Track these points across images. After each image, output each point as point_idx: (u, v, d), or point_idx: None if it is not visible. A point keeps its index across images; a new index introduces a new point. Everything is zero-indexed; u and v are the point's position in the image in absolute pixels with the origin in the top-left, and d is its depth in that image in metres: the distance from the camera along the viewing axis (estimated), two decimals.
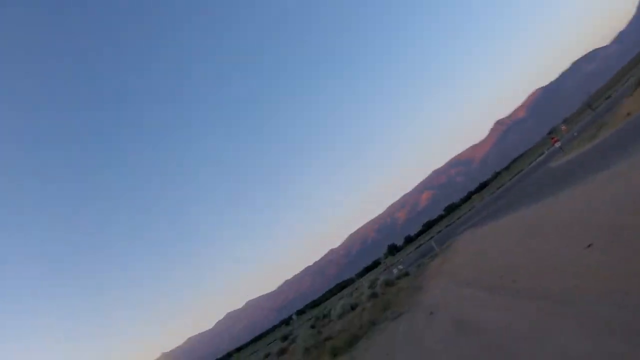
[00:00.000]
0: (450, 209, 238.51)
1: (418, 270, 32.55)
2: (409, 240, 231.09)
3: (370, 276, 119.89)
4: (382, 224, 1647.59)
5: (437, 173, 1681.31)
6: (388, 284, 30.76)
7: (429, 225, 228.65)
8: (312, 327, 36.33)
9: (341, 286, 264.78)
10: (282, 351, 34.68)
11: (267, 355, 41.16)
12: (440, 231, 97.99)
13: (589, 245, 8.69)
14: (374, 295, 27.31)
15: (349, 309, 29.10)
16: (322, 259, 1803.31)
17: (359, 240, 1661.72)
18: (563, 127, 76.25)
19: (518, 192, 39.82)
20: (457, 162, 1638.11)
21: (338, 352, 16.39)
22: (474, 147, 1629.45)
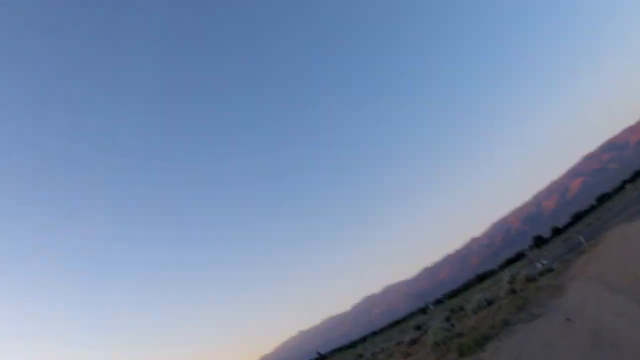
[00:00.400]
0: (602, 199, 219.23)
1: (562, 266, 29.93)
2: (556, 232, 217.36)
3: (512, 269, 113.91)
4: (528, 212, 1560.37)
5: (587, 158, 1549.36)
6: (529, 279, 28.44)
7: (578, 217, 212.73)
8: (447, 319, 34.88)
9: (481, 277, 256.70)
10: (414, 341, 33.68)
11: (398, 344, 40.34)
12: (590, 224, 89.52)
13: None
14: (512, 292, 25.29)
15: (485, 304, 27.28)
16: (463, 247, 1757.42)
17: (502, 230, 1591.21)
18: None
19: None
20: (611, 146, 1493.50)
21: (465, 351, 15.27)
22: (630, 129, 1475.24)
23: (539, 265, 39.14)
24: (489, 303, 27.09)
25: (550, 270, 30.40)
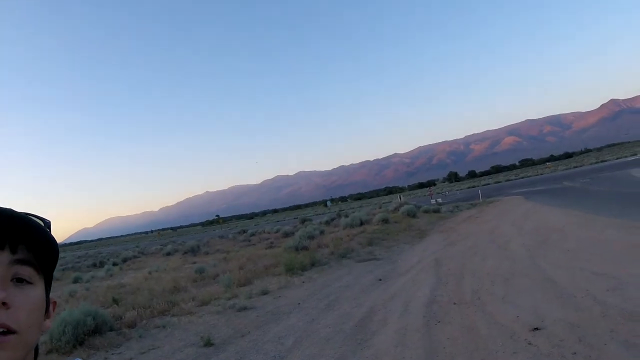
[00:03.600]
0: (526, 164, 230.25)
1: (447, 213, 29.37)
2: (472, 175, 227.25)
3: (409, 195, 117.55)
4: (455, 148, 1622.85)
5: (530, 122, 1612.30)
6: (409, 214, 27.63)
7: (497, 170, 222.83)
8: (325, 223, 34.43)
9: (388, 191, 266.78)
10: (286, 235, 32.85)
11: (277, 231, 39.80)
12: (499, 182, 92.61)
13: None
14: (384, 221, 24.37)
15: (358, 223, 26.39)
16: (384, 158, 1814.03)
17: (426, 155, 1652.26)
18: None
19: (581, 184, 34.16)
20: (556, 121, 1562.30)
21: (292, 269, 13.84)
22: (578, 114, 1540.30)
23: (432, 202, 39.19)
24: (362, 223, 26.37)
25: (436, 211, 30.05)
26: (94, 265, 32.42)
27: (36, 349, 0.98)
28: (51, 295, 1.02)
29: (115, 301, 12.25)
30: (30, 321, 0.90)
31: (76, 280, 21.49)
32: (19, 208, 0.97)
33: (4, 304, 0.88)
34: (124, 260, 33.06)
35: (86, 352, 7.78)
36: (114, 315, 10.06)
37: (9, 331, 0.88)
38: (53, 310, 1.03)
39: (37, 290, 0.94)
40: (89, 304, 9.89)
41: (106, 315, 9.19)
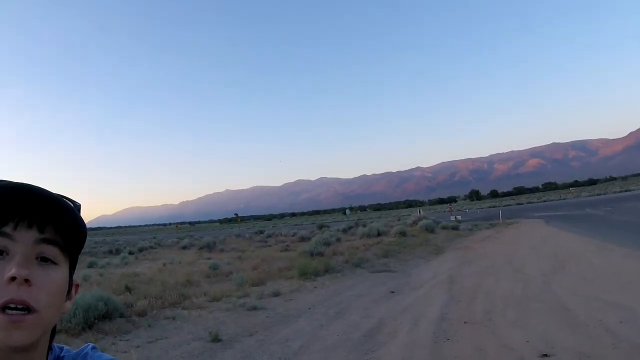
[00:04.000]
0: (549, 187, 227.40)
1: (465, 230, 29.09)
2: (493, 195, 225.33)
3: (434, 209, 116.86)
4: (478, 167, 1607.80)
5: (555, 146, 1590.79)
6: (427, 229, 27.48)
7: (519, 191, 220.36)
8: (343, 231, 34.44)
9: (408, 204, 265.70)
10: (303, 239, 32.93)
11: (294, 234, 39.94)
12: (520, 204, 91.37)
13: None
14: (402, 234, 24.27)
15: (376, 233, 26.34)
16: (406, 171, 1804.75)
17: (449, 171, 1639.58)
18: None
19: (604, 212, 33.38)
20: (581, 147, 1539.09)
21: (305, 273, 13.89)
22: (605, 141, 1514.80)
23: (452, 218, 38.89)
24: (379, 234, 26.31)
25: (455, 228, 29.83)
26: (110, 252, 32.82)
27: (53, 331, 1.00)
28: (74, 277, 1.03)
29: (128, 289, 12.39)
30: (50, 301, 0.90)
31: (91, 265, 21.79)
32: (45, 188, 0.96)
33: (26, 281, 0.87)
34: (140, 250, 33.44)
35: (95, 336, 7.86)
36: (126, 302, 10.18)
37: (28, 310, 0.87)
38: (75, 293, 1.04)
39: (60, 271, 0.95)
40: (102, 290, 10.01)
41: (117, 302, 9.29)
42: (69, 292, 1.00)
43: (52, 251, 0.93)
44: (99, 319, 8.46)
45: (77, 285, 1.04)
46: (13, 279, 0.86)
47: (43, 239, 0.92)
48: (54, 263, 0.93)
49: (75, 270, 1.03)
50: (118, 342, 7.71)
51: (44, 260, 0.92)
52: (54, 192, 0.97)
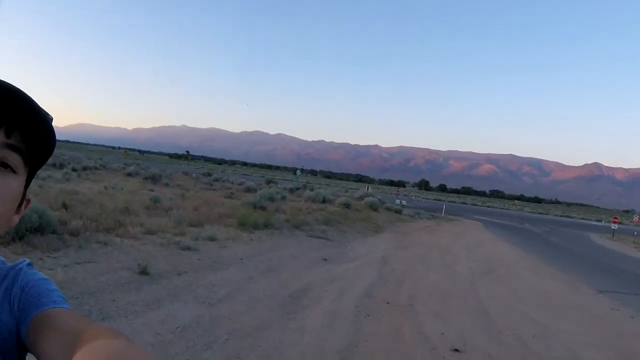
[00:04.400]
0: (495, 195, 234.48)
1: (407, 216, 29.74)
2: (442, 189, 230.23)
3: (383, 189, 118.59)
4: (435, 159, 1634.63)
5: (512, 157, 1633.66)
6: (372, 206, 27.97)
7: (467, 191, 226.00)
8: (290, 191, 34.58)
9: (359, 179, 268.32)
10: (249, 190, 32.87)
11: (240, 184, 39.81)
12: (465, 203, 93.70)
13: None
14: (346, 205, 24.62)
15: (321, 199, 26.61)
16: (364, 146, 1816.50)
17: (405, 156, 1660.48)
18: (636, 218, 65.64)
19: (541, 231, 34.68)
20: (537, 165, 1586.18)
21: (244, 224, 13.97)
22: (560, 165, 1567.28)
23: (397, 202, 39.57)
24: (324, 201, 26.58)
25: (398, 211, 30.37)
26: (54, 165, 31.81)
27: None
28: (28, 192, 0.96)
29: (65, 206, 12.15)
30: (2, 210, 0.84)
31: None
32: None
33: None
34: (84, 169, 32.59)
35: (24, 248, 7.73)
36: (60, 219, 9.99)
37: None
38: (24, 208, 0.97)
39: (18, 181, 0.88)
40: (38, 202, 9.80)
41: (52, 218, 9.11)
42: (19, 205, 0.92)
43: (14, 159, 0.86)
44: (30, 231, 8.28)
45: (29, 201, 0.98)
46: None
47: (8, 144, 0.85)
48: (14, 172, 0.87)
49: (30, 185, 0.96)
50: (46, 258, 7.61)
51: (3, 166, 0.85)
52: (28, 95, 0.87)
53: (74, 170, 29.46)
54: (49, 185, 17.99)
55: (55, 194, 14.79)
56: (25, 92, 0.86)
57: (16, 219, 0.93)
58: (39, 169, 0.97)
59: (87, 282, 6.82)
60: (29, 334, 0.87)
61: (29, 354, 0.92)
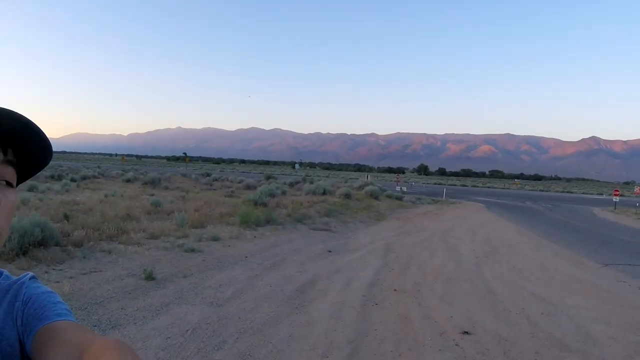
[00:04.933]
0: (495, 175, 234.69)
1: (408, 202, 29.76)
2: (441, 172, 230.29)
3: (382, 177, 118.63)
4: (432, 143, 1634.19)
5: (510, 137, 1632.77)
6: (372, 195, 27.97)
7: (467, 174, 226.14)
8: (289, 185, 34.64)
9: (358, 168, 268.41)
10: (248, 187, 32.94)
11: (240, 182, 39.83)
12: (465, 186, 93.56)
13: None
14: (347, 196, 24.60)
15: (321, 192, 26.59)
16: (361, 135, 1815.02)
17: (403, 143, 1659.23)
18: (637, 189, 65.29)
19: (543, 209, 34.58)
20: (535, 142, 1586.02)
21: (246, 222, 14.00)
22: (558, 142, 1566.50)
23: (397, 189, 39.59)
24: (324, 193, 26.56)
25: (399, 198, 30.37)
26: (52, 177, 31.77)
27: None
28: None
29: (67, 217, 12.16)
30: (7, 224, 0.88)
31: (31, 189, 21.07)
32: None
33: None
34: (83, 179, 32.57)
35: (28, 262, 7.74)
36: (62, 231, 10.00)
37: None
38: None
39: (15, 194, 0.92)
40: (40, 215, 9.80)
41: (54, 230, 9.11)
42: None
43: (10, 173, 0.90)
44: (34, 245, 8.27)
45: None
46: None
47: (6, 160, 0.89)
48: (11, 185, 0.91)
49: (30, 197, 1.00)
50: (51, 271, 7.62)
51: (6, 183, 0.89)
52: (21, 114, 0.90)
53: (72, 180, 29.45)
54: (49, 198, 17.98)
55: (55, 206, 14.79)
56: (13, 110, 0.88)
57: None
58: (28, 179, 0.99)
59: (94, 292, 6.84)
60: (34, 348, 0.87)
61: None
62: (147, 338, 5.38)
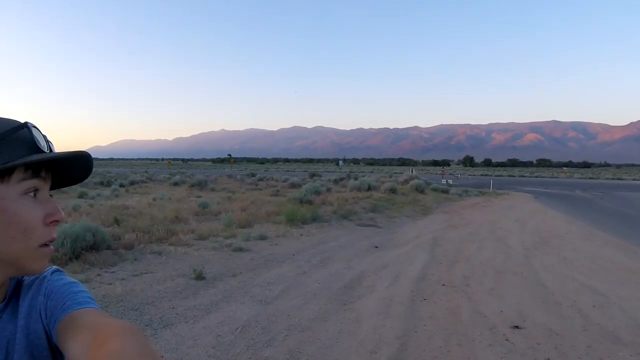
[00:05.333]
0: (542, 164, 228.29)
1: (455, 195, 29.24)
2: (487, 163, 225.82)
3: (427, 170, 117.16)
4: (476, 134, 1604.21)
5: (556, 124, 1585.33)
6: (418, 188, 27.63)
7: (513, 164, 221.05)
8: (335, 181, 34.70)
9: (402, 162, 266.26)
10: (293, 185, 33.11)
11: (285, 180, 40.10)
12: (512, 176, 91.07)
13: None
14: (392, 191, 24.39)
15: (366, 187, 26.47)
16: (403, 129, 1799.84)
17: (446, 134, 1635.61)
18: None
19: (593, 197, 33.07)
20: (582, 128, 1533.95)
21: (293, 220, 14.09)
22: (606, 127, 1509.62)
23: (443, 182, 39.01)
24: (369, 188, 26.43)
25: (445, 191, 29.88)
26: (101, 183, 32.81)
27: None
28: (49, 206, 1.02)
29: (117, 221, 12.51)
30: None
31: (81, 196, 21.82)
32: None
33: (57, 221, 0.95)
34: (131, 183, 33.46)
35: (81, 266, 7.99)
36: (113, 235, 10.30)
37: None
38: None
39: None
40: (91, 221, 10.11)
41: (105, 234, 9.39)
42: None
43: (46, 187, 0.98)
44: (86, 249, 8.55)
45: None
46: (57, 221, 0.94)
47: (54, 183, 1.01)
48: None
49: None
50: (104, 273, 7.84)
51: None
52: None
53: (121, 185, 30.31)
54: (100, 203, 18.56)
55: (106, 211, 15.27)
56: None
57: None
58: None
59: (146, 293, 6.98)
60: (58, 337, 0.92)
61: None
62: (198, 336, 5.45)
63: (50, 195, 0.98)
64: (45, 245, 0.93)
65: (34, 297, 1.01)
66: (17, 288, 1.03)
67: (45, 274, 1.05)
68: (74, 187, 28.62)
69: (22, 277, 1.05)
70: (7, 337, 0.96)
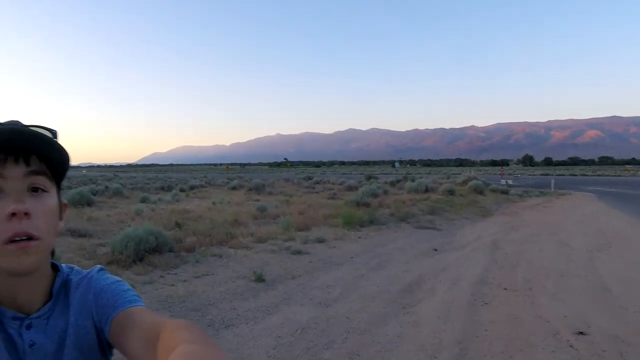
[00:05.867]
0: (605, 161, 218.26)
1: (515, 196, 28.40)
2: (547, 162, 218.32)
3: (485, 170, 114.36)
4: (535, 131, 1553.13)
5: (617, 119, 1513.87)
6: (476, 189, 27.02)
7: (574, 162, 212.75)
8: (392, 184, 34.48)
9: (459, 163, 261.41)
10: (350, 188, 33.12)
11: (341, 183, 40.25)
12: (574, 175, 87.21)
13: None
14: (450, 192, 23.96)
15: (424, 189, 26.14)
16: (459, 129, 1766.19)
17: (504, 133, 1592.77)
18: None
19: None
20: None
21: (350, 222, 14.11)
22: None
23: (502, 182, 37.99)
24: (426, 190, 26.07)
25: (504, 192, 29.10)
26: (162, 188, 33.89)
27: (52, 250, 1.07)
28: (62, 198, 1.08)
29: (178, 225, 12.89)
30: (48, 227, 0.98)
31: (143, 200, 22.60)
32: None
33: (25, 214, 0.93)
34: (191, 188, 34.41)
35: (145, 268, 8.29)
36: (175, 238, 10.64)
37: (31, 239, 0.93)
38: (64, 212, 1.10)
39: (51, 197, 1.02)
40: (153, 224, 10.46)
41: (168, 237, 9.70)
42: (60, 212, 1.06)
43: (40, 180, 0.99)
44: (149, 252, 8.87)
45: (65, 205, 1.11)
46: (13, 214, 0.92)
47: (30, 171, 0.97)
48: (45, 191, 1.00)
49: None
50: (166, 275, 8.09)
51: (34, 190, 0.98)
52: (28, 124, 1.01)
53: (181, 190, 31.23)
54: (161, 208, 19.16)
55: (167, 215, 15.77)
56: (17, 120, 1.01)
57: (61, 224, 1.07)
58: (63, 177, 1.09)
59: (207, 294, 7.15)
60: (113, 334, 0.99)
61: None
62: (259, 337, 5.53)
63: (54, 193, 1.02)
64: (13, 242, 0.92)
65: (82, 296, 1.07)
66: (64, 286, 1.09)
67: (91, 273, 1.12)
68: (135, 192, 29.53)
69: (69, 275, 1.11)
70: (59, 333, 1.03)
